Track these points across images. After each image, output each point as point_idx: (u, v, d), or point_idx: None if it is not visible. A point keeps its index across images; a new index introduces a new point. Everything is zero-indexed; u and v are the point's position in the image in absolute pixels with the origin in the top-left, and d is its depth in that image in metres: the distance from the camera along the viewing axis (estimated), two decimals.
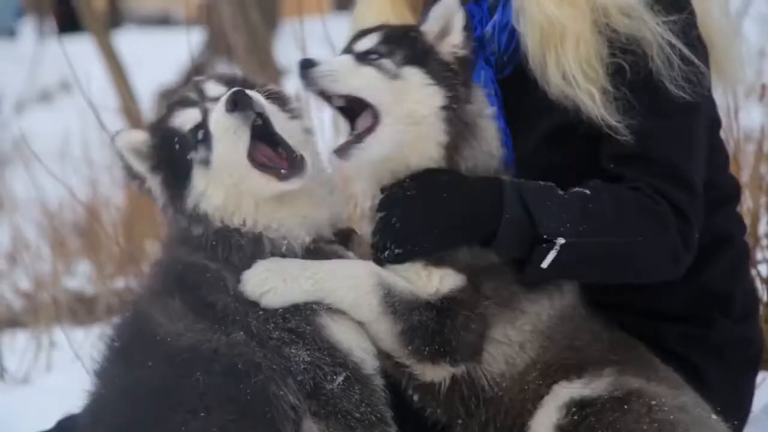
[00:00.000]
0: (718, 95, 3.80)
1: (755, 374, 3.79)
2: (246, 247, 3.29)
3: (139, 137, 3.37)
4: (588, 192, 3.37)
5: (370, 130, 3.29)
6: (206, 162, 3.28)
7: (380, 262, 3.35)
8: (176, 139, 3.32)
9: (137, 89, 11.55)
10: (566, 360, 3.33)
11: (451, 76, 3.37)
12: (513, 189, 3.33)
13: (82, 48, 10.12)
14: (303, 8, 6.01)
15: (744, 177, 4.98)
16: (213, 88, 3.38)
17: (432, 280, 3.32)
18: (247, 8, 10.10)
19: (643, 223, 3.39)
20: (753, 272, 4.54)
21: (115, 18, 25.20)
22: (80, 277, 8.90)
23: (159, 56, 15.38)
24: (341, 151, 3.27)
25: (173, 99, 3.44)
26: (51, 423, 3.58)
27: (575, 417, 3.23)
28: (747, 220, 4.60)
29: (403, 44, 3.36)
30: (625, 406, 3.21)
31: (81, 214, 9.33)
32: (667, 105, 3.45)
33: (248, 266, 3.26)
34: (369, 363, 3.30)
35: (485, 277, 3.32)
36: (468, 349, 3.30)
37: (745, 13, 6.83)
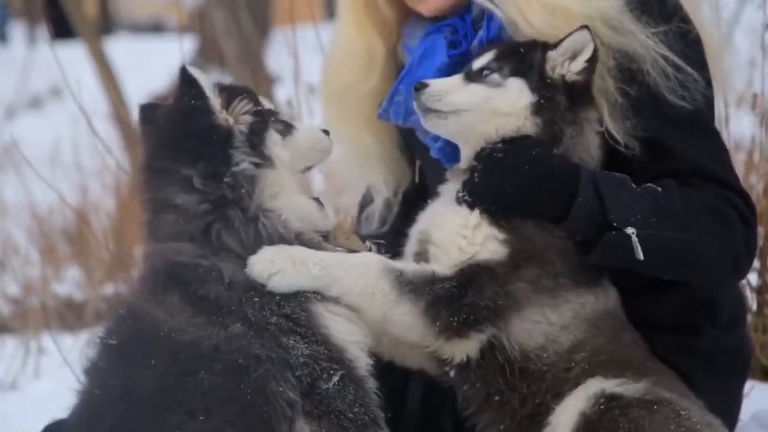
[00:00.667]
0: None
1: (743, 382, 3.79)
2: (244, 229, 3.30)
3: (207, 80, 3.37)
4: (659, 189, 3.42)
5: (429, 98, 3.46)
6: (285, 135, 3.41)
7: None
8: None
9: (128, 96, 11.54)
10: (612, 354, 3.35)
11: (550, 85, 3.44)
12: (589, 175, 3.38)
13: (73, 54, 10.10)
14: (295, 16, 6.01)
15: None
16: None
17: (476, 238, 3.36)
18: (239, 15, 10.10)
19: (712, 223, 3.43)
20: (742, 281, 4.55)
21: (106, 24, 25.21)
22: (69, 283, 8.87)
23: (150, 63, 15.38)
24: (426, 115, 3.47)
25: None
26: (39, 429, 3.57)
27: (601, 407, 3.23)
28: None
29: (513, 59, 3.47)
30: (655, 407, 3.22)
31: (71, 220, 9.32)
32: (681, 117, 3.48)
33: (248, 250, 3.27)
34: (362, 361, 3.29)
35: (533, 262, 3.36)
36: (490, 314, 3.30)
37: (736, 24, 6.86)
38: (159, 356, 3.18)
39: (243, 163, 3.32)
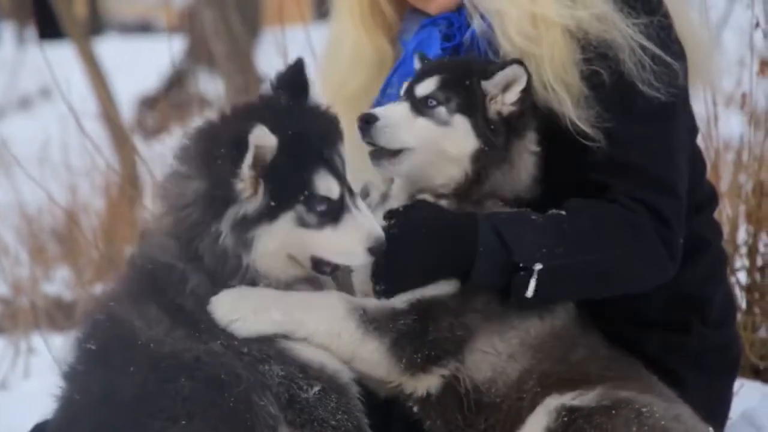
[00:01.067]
0: (698, 104, 3.82)
1: (733, 380, 3.80)
2: (222, 269, 3.24)
3: (271, 143, 3.16)
4: (563, 213, 3.39)
5: (405, 152, 3.41)
6: (304, 225, 3.21)
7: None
8: (307, 192, 3.19)
9: (118, 96, 11.53)
10: (562, 374, 3.34)
11: (492, 128, 3.42)
12: (486, 221, 3.34)
13: (62, 54, 10.09)
14: (285, 16, 6.01)
15: (723, 186, 5.01)
16: (347, 170, 3.29)
17: None
18: (229, 16, 10.10)
19: (621, 236, 3.40)
20: (732, 280, 4.57)
21: (95, 25, 25.16)
22: (59, 283, 8.86)
23: (140, 63, 15.37)
24: (376, 159, 3.43)
25: (313, 137, 3.25)
26: (28, 429, 3.56)
27: (564, 419, 3.24)
28: (726, 229, 4.64)
29: (459, 92, 3.43)
30: (613, 412, 3.22)
31: (60, 220, 9.31)
32: (642, 108, 3.47)
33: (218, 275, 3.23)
34: (344, 373, 3.29)
35: (479, 291, 3.35)
36: (451, 348, 3.30)
37: (725, 24, 6.88)
38: (138, 364, 3.16)
39: (223, 237, 3.21)
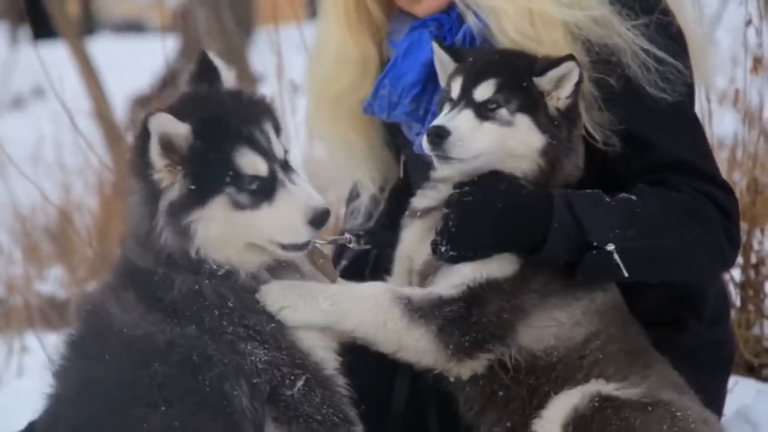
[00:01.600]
0: None
1: (727, 378, 3.82)
2: (193, 268, 3.25)
3: (180, 130, 3.16)
4: (634, 197, 3.41)
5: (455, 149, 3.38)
6: (239, 207, 3.20)
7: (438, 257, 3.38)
8: (231, 172, 3.17)
9: (111, 95, 11.52)
10: (624, 344, 3.39)
11: (555, 123, 3.43)
12: (561, 198, 3.37)
13: (55, 54, 10.07)
14: (278, 15, 6.00)
15: None
16: (277, 146, 3.25)
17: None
18: (222, 15, 10.09)
19: (691, 223, 3.44)
20: (726, 276, 4.57)
21: (88, 24, 25.13)
22: (52, 282, 8.85)
23: (133, 62, 15.35)
24: (444, 162, 3.40)
25: (230, 117, 3.24)
26: (22, 427, 3.56)
27: (595, 404, 3.26)
28: None
29: (518, 93, 3.42)
30: (650, 408, 3.26)
31: (54, 219, 9.29)
32: (659, 109, 3.49)
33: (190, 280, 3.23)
34: (330, 363, 3.30)
35: (541, 271, 3.38)
36: (499, 332, 3.33)
37: (718, 22, 6.87)
38: (112, 351, 3.18)
39: (162, 231, 3.22)
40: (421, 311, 3.29)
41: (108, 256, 7.36)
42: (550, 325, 3.36)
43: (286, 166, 3.26)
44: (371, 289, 3.35)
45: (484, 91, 3.42)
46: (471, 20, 3.60)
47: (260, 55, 9.62)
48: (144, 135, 3.16)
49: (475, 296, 3.32)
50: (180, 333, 3.18)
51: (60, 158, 9.57)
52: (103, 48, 16.18)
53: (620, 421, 3.23)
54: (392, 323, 3.29)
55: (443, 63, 3.57)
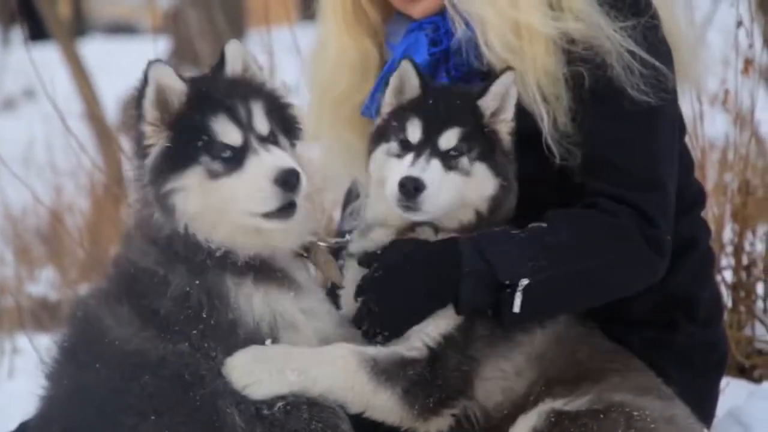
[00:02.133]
0: (683, 104, 3.83)
1: (720, 379, 3.81)
2: (191, 252, 3.26)
3: (177, 85, 3.23)
4: (544, 225, 3.39)
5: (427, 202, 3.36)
6: (214, 176, 3.22)
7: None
8: (205, 137, 3.21)
9: (102, 96, 11.50)
10: (565, 375, 3.36)
11: (509, 159, 3.46)
12: (467, 242, 3.36)
13: (47, 55, 10.06)
14: (270, 17, 6.00)
15: (709, 185, 5.02)
16: (261, 122, 3.27)
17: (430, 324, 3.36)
18: (214, 16, 10.08)
19: (605, 242, 3.41)
20: (718, 278, 4.58)
21: (80, 26, 25.10)
22: (44, 283, 8.84)
23: (124, 64, 15.30)
24: (410, 212, 3.36)
25: (219, 91, 3.27)
26: (12, 428, 3.55)
27: (552, 420, 3.26)
28: (712, 227, 4.63)
29: (478, 140, 3.42)
30: (602, 415, 3.24)
31: (45, 220, 9.28)
32: (628, 111, 3.46)
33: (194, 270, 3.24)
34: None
35: (481, 316, 3.37)
36: (461, 386, 3.34)
37: (709, 23, 6.89)
38: (103, 361, 3.19)
39: (151, 205, 3.27)
40: (386, 373, 3.29)
41: (99, 257, 7.36)
42: (497, 377, 3.36)
43: (267, 140, 3.26)
44: (337, 351, 3.31)
45: (449, 139, 3.41)
46: (459, 30, 3.60)
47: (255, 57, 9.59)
48: (144, 82, 3.22)
49: (434, 354, 3.32)
50: (172, 350, 3.18)
51: (51, 160, 9.55)
52: (94, 49, 16.18)
53: (577, 429, 3.22)
54: (359, 386, 3.28)
55: (406, 84, 3.51)
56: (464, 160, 3.40)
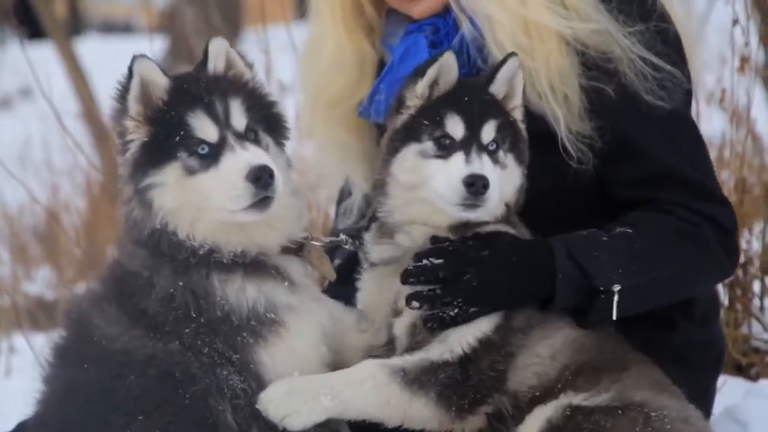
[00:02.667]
0: None
1: (717, 377, 3.82)
2: (175, 251, 3.26)
3: (160, 80, 3.25)
4: (629, 230, 3.42)
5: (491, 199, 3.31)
6: (191, 172, 3.22)
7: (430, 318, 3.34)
8: (182, 132, 3.22)
9: (98, 96, 11.48)
10: (595, 362, 3.37)
11: (526, 150, 3.45)
12: (561, 247, 3.37)
13: (43, 54, 10.06)
14: (267, 15, 5.99)
15: None
16: (238, 119, 3.26)
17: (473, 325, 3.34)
18: (210, 14, 10.06)
19: (690, 250, 3.46)
20: None
21: (76, 25, 25.08)
22: (40, 283, 8.83)
23: (121, 63, 15.27)
24: (471, 205, 3.29)
25: (199, 87, 3.27)
26: (10, 428, 3.55)
27: (567, 413, 3.26)
28: None
29: (507, 131, 3.39)
30: (620, 411, 3.25)
31: (41, 219, 9.27)
32: (655, 117, 3.48)
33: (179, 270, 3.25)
34: None
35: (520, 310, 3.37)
36: (495, 384, 3.33)
37: (705, 22, 6.88)
38: (91, 361, 3.20)
39: (129, 196, 3.29)
40: (417, 381, 3.28)
41: (96, 256, 7.36)
42: (533, 363, 3.36)
43: (245, 137, 3.26)
44: (366, 369, 3.29)
45: (489, 133, 3.37)
46: (466, 27, 3.58)
47: (248, 55, 9.58)
48: (128, 76, 3.24)
49: (468, 358, 3.31)
50: (163, 348, 3.18)
51: (48, 159, 9.55)
52: (90, 48, 16.15)
53: (591, 425, 3.22)
54: (395, 399, 3.27)
55: (443, 77, 3.40)
56: (501, 153, 3.38)
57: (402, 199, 3.43)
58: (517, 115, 3.46)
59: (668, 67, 3.50)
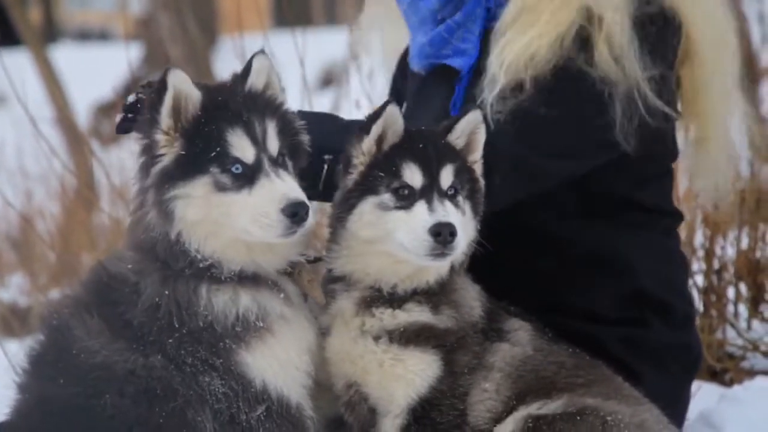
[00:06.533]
0: None
1: (691, 381, 3.83)
2: (172, 259, 3.24)
3: (194, 93, 3.18)
4: None
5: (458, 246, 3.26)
6: (221, 189, 3.18)
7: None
8: (219, 148, 3.17)
9: (74, 102, 11.47)
10: (537, 387, 3.36)
11: (481, 204, 3.41)
12: None
13: (18, 61, 10.04)
14: (244, 24, 6.00)
15: (680, 191, 5.03)
16: (273, 142, 3.24)
17: (409, 367, 3.33)
18: (186, 21, 10.07)
19: None
20: (689, 282, 4.59)
21: (51, 32, 25.03)
22: (14, 289, 8.79)
23: (96, 70, 15.29)
24: (441, 254, 3.22)
25: (237, 103, 3.23)
26: None
27: (530, 425, 3.26)
28: (683, 233, 4.66)
29: (465, 176, 3.35)
30: (578, 418, 3.25)
31: (15, 225, 9.23)
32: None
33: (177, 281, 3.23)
34: (293, 396, 3.29)
35: (460, 348, 3.36)
36: (459, 421, 3.34)
37: None
38: (67, 376, 3.18)
39: (149, 208, 3.25)
40: None
41: (70, 262, 7.33)
42: (483, 399, 3.36)
43: (277, 162, 3.23)
44: None
45: (446, 177, 3.31)
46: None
47: (225, 62, 9.59)
48: (160, 88, 3.17)
49: (422, 409, 3.32)
50: (143, 364, 3.16)
51: (22, 164, 9.51)
52: (65, 56, 16.12)
53: None
54: None
55: (390, 129, 3.34)
56: (460, 198, 3.33)
57: (357, 250, 3.37)
58: (477, 168, 3.41)
59: (652, 124, 3.51)
